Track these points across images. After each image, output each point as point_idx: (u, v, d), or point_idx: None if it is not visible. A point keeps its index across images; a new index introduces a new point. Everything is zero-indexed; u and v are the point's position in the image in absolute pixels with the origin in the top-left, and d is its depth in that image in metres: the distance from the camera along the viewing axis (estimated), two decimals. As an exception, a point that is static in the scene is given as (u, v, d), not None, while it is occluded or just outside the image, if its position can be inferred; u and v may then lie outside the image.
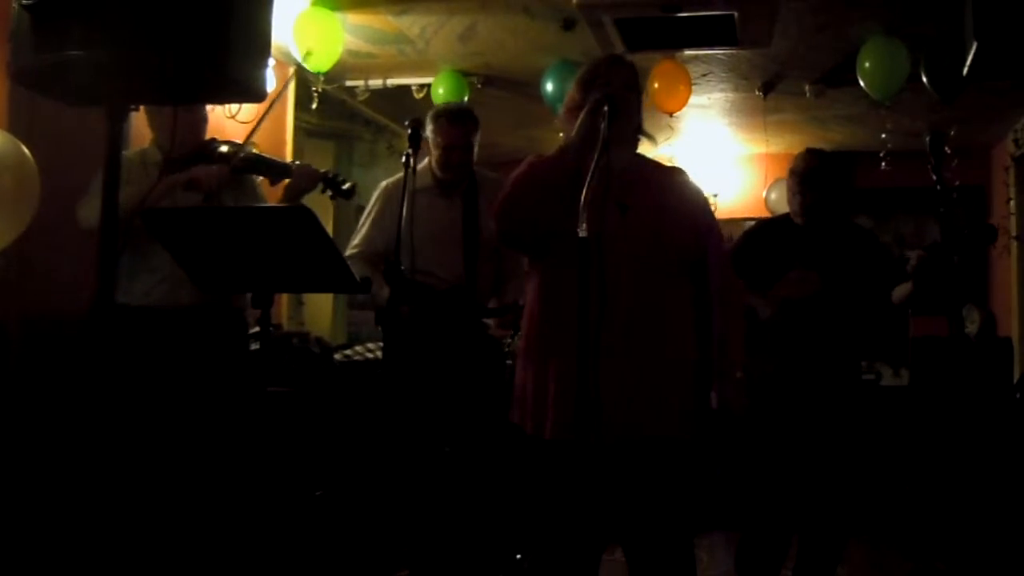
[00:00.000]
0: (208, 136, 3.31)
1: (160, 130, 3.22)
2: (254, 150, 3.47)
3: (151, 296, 3.06)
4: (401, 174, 3.41)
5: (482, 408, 3.48)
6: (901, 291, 3.40)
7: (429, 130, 3.51)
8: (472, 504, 3.50)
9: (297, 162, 3.26)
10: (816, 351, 3.35)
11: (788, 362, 3.35)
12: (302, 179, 3.19)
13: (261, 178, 3.33)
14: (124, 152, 3.33)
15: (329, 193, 3.28)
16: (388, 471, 3.62)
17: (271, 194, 3.51)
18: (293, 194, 3.20)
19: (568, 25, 4.46)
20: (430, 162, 3.59)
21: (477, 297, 3.58)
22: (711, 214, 2.62)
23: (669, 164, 2.70)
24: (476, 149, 3.59)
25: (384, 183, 3.70)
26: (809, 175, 3.42)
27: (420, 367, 3.45)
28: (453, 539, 3.51)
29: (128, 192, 2.67)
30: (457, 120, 3.52)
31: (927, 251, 3.28)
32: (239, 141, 3.41)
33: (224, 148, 3.24)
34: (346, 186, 3.24)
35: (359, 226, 3.68)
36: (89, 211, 2.93)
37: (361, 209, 3.89)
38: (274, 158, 3.49)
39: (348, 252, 3.58)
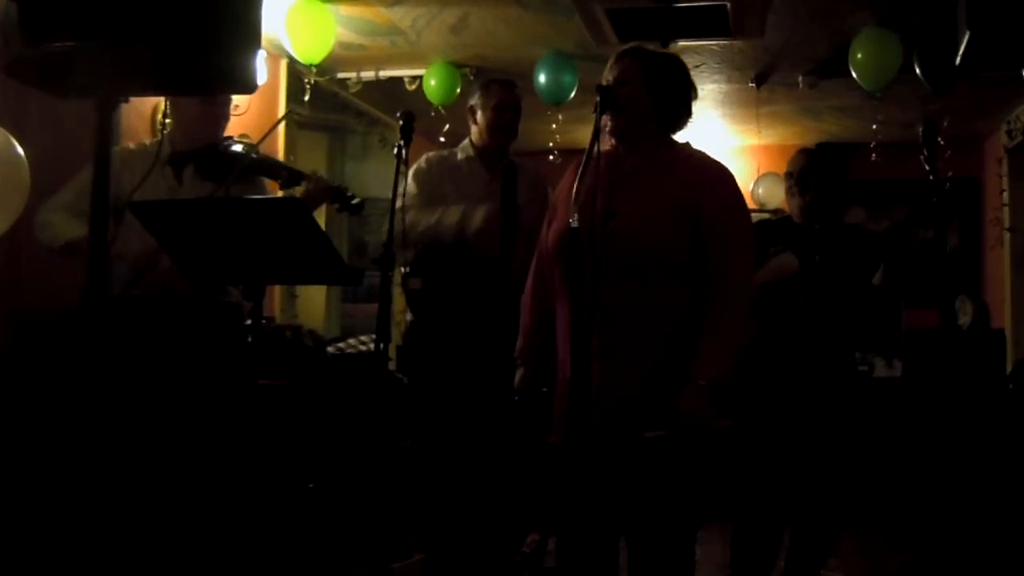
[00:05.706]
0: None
1: (179, 122, 3.16)
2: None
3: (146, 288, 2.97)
4: (435, 152, 3.58)
5: (508, 391, 3.45)
6: (876, 276, 3.43)
7: (476, 97, 3.60)
8: (490, 487, 3.46)
9: (312, 171, 3.27)
10: (807, 343, 3.34)
11: (779, 354, 3.34)
12: (316, 190, 3.17)
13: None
14: (131, 146, 3.34)
15: (337, 206, 3.28)
16: (409, 452, 3.60)
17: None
18: (307, 203, 3.14)
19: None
20: (474, 133, 3.63)
21: (511, 276, 3.37)
22: (725, 216, 2.49)
23: (709, 161, 2.59)
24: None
25: (422, 160, 3.65)
26: (803, 175, 3.41)
27: (448, 340, 3.43)
28: (469, 523, 3.47)
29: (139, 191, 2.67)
30: (508, 84, 3.66)
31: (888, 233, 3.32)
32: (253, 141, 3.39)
33: (238, 147, 3.20)
34: (355, 201, 3.24)
35: (406, 205, 3.42)
36: (47, 231, 2.95)
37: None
38: (289, 165, 3.52)
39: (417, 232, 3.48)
